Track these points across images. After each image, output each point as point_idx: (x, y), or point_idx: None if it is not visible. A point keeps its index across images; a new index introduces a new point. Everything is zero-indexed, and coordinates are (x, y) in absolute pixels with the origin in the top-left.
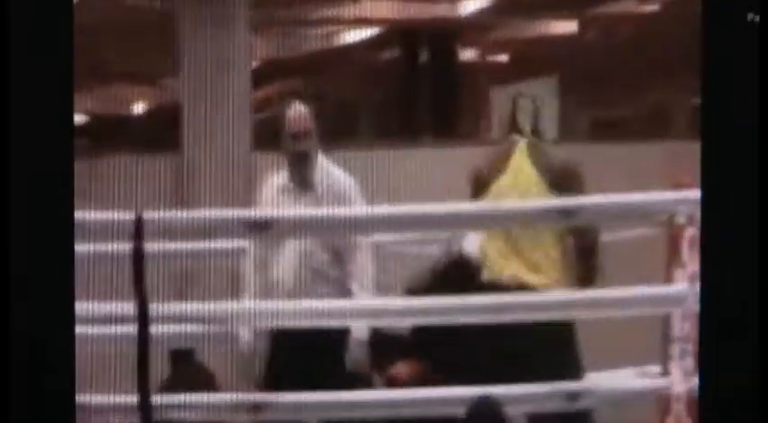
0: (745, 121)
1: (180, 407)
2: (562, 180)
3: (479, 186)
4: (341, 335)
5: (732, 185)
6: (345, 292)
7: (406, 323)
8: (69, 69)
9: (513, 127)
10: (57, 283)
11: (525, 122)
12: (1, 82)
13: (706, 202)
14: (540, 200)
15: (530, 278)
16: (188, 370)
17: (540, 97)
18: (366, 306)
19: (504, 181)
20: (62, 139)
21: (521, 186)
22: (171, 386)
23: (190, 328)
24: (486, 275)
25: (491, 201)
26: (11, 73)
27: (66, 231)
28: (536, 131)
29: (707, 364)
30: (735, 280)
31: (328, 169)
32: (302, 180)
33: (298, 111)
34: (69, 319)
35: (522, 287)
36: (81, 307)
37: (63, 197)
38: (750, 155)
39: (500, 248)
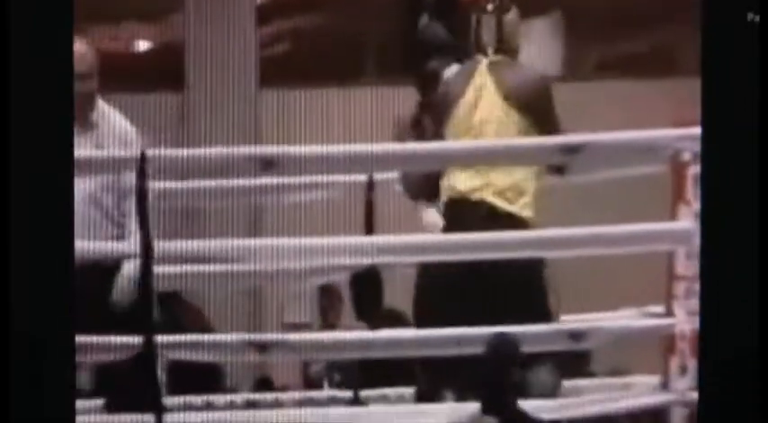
0: (746, 121)
1: (183, 346)
2: (529, 96)
3: (442, 111)
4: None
5: (733, 187)
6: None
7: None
8: (69, 68)
9: (478, 46)
10: (57, 282)
11: (489, 40)
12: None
13: (707, 195)
14: (542, 137)
15: (499, 203)
16: (177, 310)
17: (508, 7)
18: (347, 243)
19: (466, 100)
20: (63, 148)
21: (484, 105)
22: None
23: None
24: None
25: (456, 124)
26: (11, 64)
27: (66, 232)
28: (503, 48)
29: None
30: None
31: (107, 112)
32: (83, 120)
33: (78, 51)
34: (69, 318)
35: (491, 211)
36: (86, 246)
37: (64, 199)
38: (751, 157)
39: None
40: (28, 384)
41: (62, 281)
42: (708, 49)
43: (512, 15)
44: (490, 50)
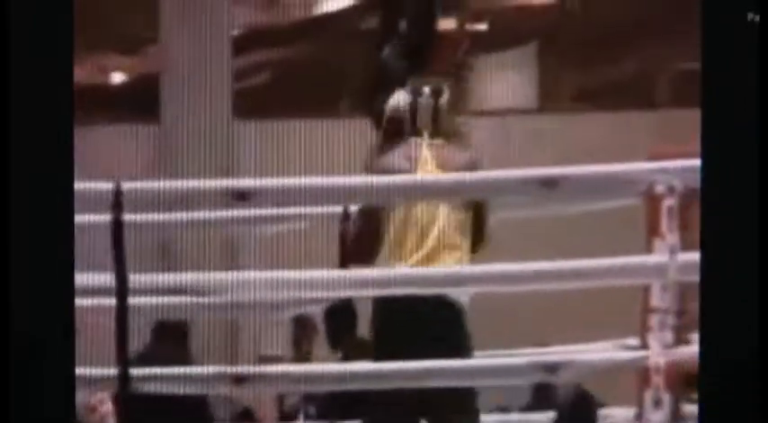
0: (745, 121)
1: (160, 379)
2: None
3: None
4: None
5: (731, 195)
6: None
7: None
8: (69, 69)
9: (412, 129)
10: (57, 282)
11: (426, 122)
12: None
13: (707, 201)
14: (521, 169)
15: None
16: (173, 344)
17: (441, 90)
18: (322, 276)
19: None
20: (63, 148)
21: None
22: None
23: (170, 299)
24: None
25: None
26: (11, 70)
27: (66, 232)
28: (438, 130)
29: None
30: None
31: None
32: None
33: None
34: (69, 318)
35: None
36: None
37: (64, 199)
38: (751, 157)
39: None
40: (28, 384)
41: (62, 281)
42: (708, 49)
43: (445, 98)
44: (426, 133)
